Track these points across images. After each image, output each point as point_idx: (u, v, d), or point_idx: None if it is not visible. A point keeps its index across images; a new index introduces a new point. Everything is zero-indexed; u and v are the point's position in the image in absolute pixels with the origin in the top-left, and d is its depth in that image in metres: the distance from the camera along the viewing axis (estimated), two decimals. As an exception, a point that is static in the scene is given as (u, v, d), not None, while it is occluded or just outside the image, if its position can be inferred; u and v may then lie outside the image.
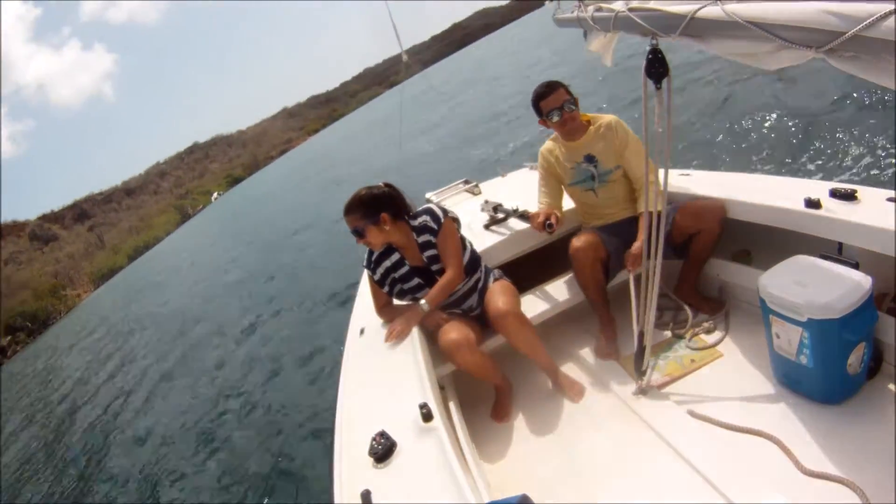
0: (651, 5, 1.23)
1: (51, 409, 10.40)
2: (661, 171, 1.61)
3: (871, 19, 0.73)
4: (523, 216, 2.37)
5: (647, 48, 1.30)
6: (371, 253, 2.09)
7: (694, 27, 1.08)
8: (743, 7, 0.95)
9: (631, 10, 1.31)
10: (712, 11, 1.02)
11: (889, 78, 0.77)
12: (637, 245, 2.06)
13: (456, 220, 2.12)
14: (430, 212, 2.05)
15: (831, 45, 0.80)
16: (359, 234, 2.00)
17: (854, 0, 0.76)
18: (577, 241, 2.10)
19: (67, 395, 10.68)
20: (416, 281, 2.08)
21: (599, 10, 1.53)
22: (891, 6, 0.70)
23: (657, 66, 1.32)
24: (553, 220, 2.10)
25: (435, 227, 2.02)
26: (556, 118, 2.14)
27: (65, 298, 55.33)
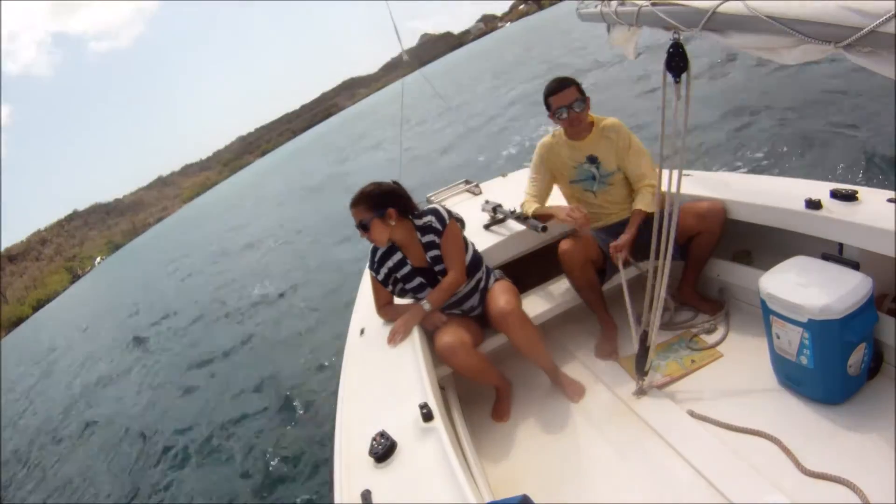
0: None
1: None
2: (674, 167, 1.59)
3: (888, 15, 0.74)
4: (519, 218, 2.39)
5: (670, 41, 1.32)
6: (374, 253, 2.09)
7: (716, 22, 1.10)
8: (764, 2, 0.97)
9: (654, 4, 1.33)
10: (734, 6, 1.04)
11: None
12: (625, 237, 2.06)
13: (460, 222, 2.12)
14: (435, 212, 2.05)
15: (849, 41, 0.81)
16: (364, 227, 1.98)
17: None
18: (566, 244, 2.11)
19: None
20: (418, 281, 2.08)
21: (623, 4, 1.54)
22: None
23: (678, 60, 1.33)
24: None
25: (440, 228, 2.02)
26: (563, 115, 2.12)
27: (-21, 343, 62.06)
